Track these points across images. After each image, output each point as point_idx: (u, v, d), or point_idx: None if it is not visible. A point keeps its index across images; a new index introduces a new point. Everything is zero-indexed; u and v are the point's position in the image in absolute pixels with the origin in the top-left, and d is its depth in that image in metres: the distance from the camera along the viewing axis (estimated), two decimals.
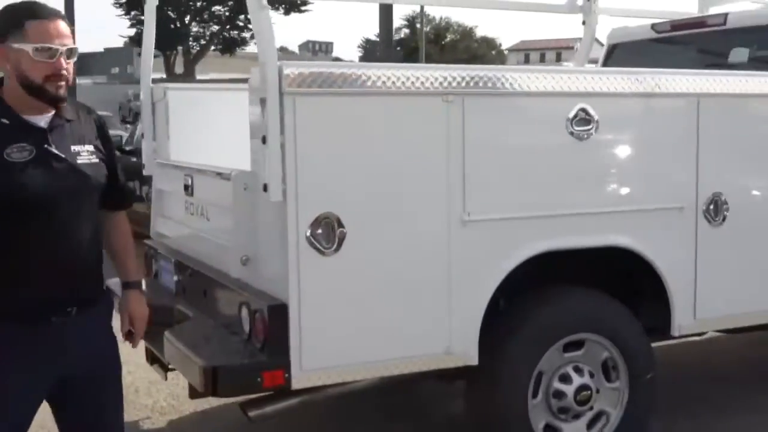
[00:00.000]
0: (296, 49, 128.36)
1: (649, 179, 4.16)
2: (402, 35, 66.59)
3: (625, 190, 4.10)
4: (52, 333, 2.87)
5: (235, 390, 3.62)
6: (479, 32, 75.14)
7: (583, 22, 6.08)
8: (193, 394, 3.93)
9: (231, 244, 3.83)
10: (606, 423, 4.19)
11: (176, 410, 5.28)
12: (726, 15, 5.36)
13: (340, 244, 3.51)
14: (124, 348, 3.11)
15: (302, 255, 3.46)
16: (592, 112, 3.94)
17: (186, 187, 4.36)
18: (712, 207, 4.28)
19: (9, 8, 2.81)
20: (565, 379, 4.06)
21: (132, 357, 5.87)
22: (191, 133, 4.87)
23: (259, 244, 3.73)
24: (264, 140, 3.43)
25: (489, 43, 72.05)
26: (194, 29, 57.82)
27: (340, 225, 3.51)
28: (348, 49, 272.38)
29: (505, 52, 79.35)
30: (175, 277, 4.60)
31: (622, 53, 6.14)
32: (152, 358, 4.53)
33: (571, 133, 3.92)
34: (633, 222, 4.11)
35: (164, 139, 4.99)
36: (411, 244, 3.67)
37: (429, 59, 43.49)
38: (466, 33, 69.30)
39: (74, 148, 2.89)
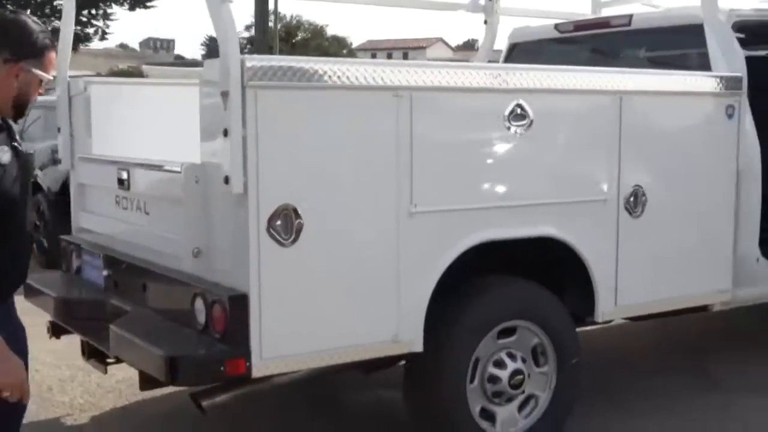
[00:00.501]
0: (137, 46, 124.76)
1: (577, 173, 4.39)
2: (253, 32, 65.86)
3: (555, 183, 4.31)
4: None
5: (198, 379, 3.65)
6: (330, 31, 75.25)
7: (485, 22, 6.32)
8: (145, 385, 3.91)
9: (181, 237, 3.83)
10: (535, 406, 4.39)
11: (95, 406, 5.20)
12: (631, 16, 5.62)
13: (297, 236, 3.58)
14: (30, 346, 3.10)
15: (262, 246, 3.52)
16: (527, 107, 4.14)
17: (121, 181, 4.31)
18: (632, 200, 4.55)
19: (29, 30, 2.89)
20: (499, 364, 4.24)
21: (39, 355, 5.79)
22: (116, 128, 4.83)
23: (213, 236, 3.75)
24: (226, 133, 3.46)
25: (340, 42, 72.21)
26: None
27: (298, 216, 3.58)
28: (190, 47, 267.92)
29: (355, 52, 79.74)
30: (105, 272, 4.55)
31: (523, 52, 6.36)
32: (89, 353, 4.46)
33: (508, 128, 4.10)
34: (563, 214, 4.33)
35: (84, 133, 4.90)
36: (363, 235, 3.77)
37: None
38: (317, 31, 69.15)
39: (18, 139, 3.03)
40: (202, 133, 3.72)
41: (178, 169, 3.80)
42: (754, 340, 6.49)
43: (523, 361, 4.31)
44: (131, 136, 4.68)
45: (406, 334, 3.90)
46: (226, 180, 3.49)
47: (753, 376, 5.68)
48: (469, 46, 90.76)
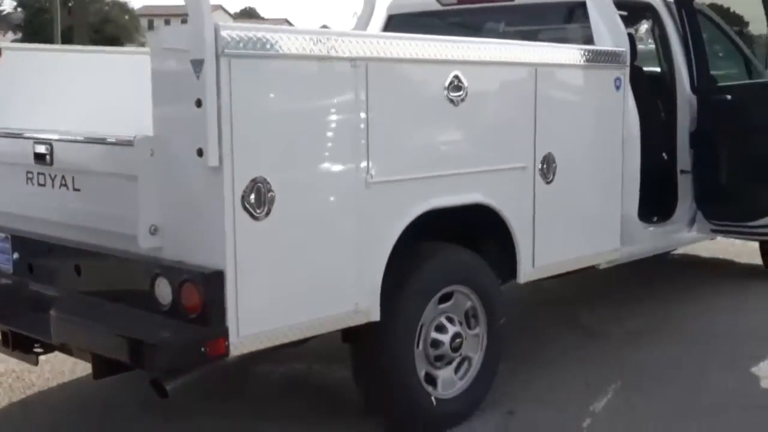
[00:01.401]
0: None
1: (503, 141, 4.55)
2: None
3: (486, 152, 4.45)
4: None
5: (177, 363, 3.46)
6: None
7: None
8: (101, 372, 3.69)
9: (134, 215, 3.62)
10: (469, 367, 4.52)
11: None
12: None
13: (270, 209, 3.50)
14: None
15: (237, 220, 3.41)
16: (463, 79, 4.23)
17: (39, 156, 4.02)
18: (545, 166, 4.76)
19: None
20: (441, 328, 4.33)
21: None
22: (19, 98, 4.48)
23: (174, 213, 3.58)
24: (199, 104, 3.32)
25: (121, 7, 68.40)
26: None
27: (270, 189, 3.49)
28: None
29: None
30: (15, 255, 4.25)
31: (400, 24, 6.42)
32: (14, 344, 4.14)
33: (448, 99, 4.19)
34: (492, 181, 4.47)
35: None
36: (328, 206, 3.75)
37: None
38: None
39: None
40: (156, 104, 3.55)
41: (130, 142, 3.60)
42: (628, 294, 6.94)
43: (460, 324, 4.42)
44: (41, 108, 4.37)
45: (365, 303, 3.91)
46: (200, 152, 3.35)
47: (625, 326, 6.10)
48: (247, 14, 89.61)
